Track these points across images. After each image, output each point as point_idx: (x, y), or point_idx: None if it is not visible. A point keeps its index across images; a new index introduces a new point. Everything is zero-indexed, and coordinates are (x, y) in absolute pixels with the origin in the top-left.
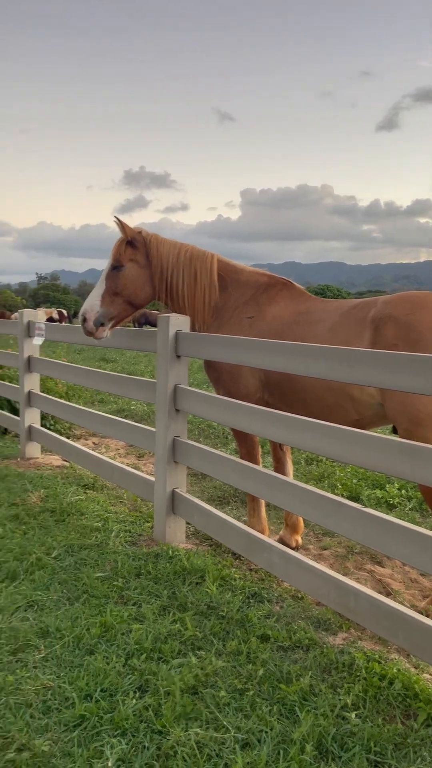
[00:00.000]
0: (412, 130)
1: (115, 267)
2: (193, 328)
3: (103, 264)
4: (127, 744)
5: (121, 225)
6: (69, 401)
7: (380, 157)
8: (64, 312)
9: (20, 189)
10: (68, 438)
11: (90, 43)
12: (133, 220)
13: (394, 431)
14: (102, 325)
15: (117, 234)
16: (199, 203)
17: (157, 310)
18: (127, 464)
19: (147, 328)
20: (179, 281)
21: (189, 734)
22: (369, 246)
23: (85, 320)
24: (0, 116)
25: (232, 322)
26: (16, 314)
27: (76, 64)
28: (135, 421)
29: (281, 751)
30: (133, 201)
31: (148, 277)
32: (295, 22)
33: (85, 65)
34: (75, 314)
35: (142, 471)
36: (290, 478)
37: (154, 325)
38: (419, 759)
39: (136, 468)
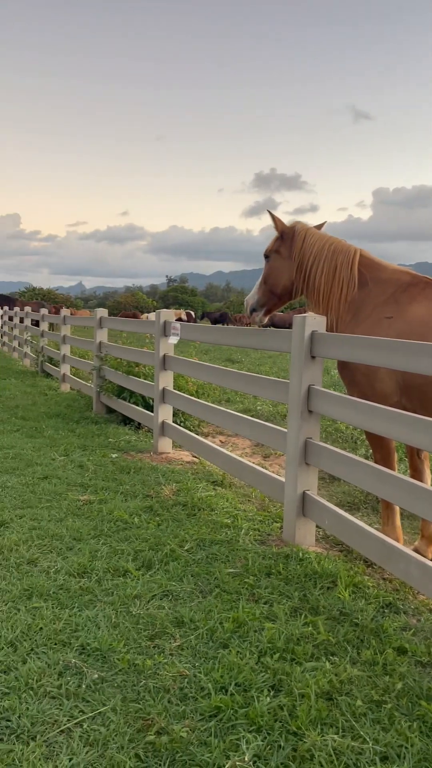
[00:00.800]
0: None
1: (266, 257)
2: (326, 324)
3: (229, 266)
4: (262, 741)
5: (273, 219)
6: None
7: None
8: (192, 313)
9: (155, 194)
10: (197, 435)
11: (221, 45)
12: (261, 222)
13: None
14: (254, 311)
15: (244, 236)
16: (329, 204)
17: (282, 312)
18: (254, 464)
19: (271, 329)
20: (318, 273)
21: (326, 740)
22: None
23: (246, 306)
24: (139, 124)
25: (369, 321)
26: (147, 315)
27: (209, 68)
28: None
29: None
30: (262, 203)
31: (287, 268)
32: None
33: (216, 69)
34: (202, 316)
35: (269, 471)
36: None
37: (276, 326)
38: None
39: (262, 468)
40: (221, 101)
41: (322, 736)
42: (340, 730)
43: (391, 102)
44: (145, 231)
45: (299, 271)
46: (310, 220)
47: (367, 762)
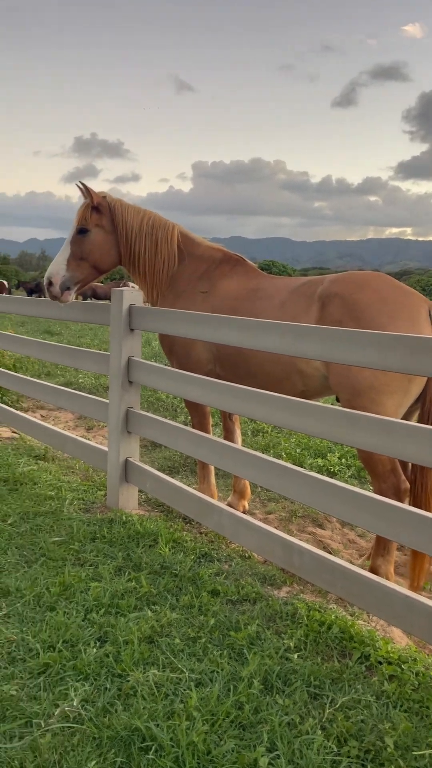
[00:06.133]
0: (367, 107)
1: (81, 231)
2: (151, 297)
3: (44, 233)
4: (90, 686)
5: (86, 190)
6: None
7: (335, 134)
8: (5, 283)
9: None
10: (16, 410)
11: (39, 4)
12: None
13: (338, 401)
14: (68, 289)
15: (63, 203)
16: (151, 174)
17: (101, 283)
18: (78, 436)
19: (93, 302)
20: (141, 248)
21: (147, 676)
22: (319, 223)
23: (51, 284)
24: None
25: (186, 295)
26: None
27: (24, 25)
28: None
29: (231, 687)
30: (82, 169)
31: (114, 242)
32: None
33: (34, 27)
34: (17, 285)
35: (93, 442)
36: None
37: (99, 298)
38: (353, 690)
39: (85, 439)
40: (35, 57)
41: (145, 673)
42: (161, 667)
43: (211, 76)
44: None
45: (126, 246)
46: (132, 189)
47: (184, 688)
